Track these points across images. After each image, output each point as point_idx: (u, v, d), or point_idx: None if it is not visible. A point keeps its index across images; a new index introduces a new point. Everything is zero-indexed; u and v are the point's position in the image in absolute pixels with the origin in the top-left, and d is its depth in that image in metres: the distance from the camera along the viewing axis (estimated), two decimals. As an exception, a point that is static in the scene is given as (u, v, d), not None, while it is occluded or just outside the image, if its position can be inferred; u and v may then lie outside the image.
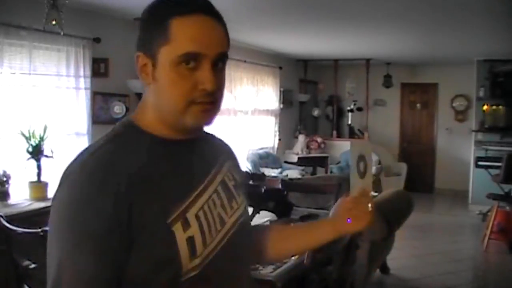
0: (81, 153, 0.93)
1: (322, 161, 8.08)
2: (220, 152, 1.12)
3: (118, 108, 4.76)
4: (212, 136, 1.16)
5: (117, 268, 0.87)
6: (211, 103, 0.94)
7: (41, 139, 3.66)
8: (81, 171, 0.89)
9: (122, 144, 0.94)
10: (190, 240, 0.91)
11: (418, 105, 9.42)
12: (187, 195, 0.94)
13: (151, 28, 0.93)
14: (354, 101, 8.84)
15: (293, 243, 1.23)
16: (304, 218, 2.90)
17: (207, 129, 1.15)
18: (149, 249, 0.87)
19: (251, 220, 1.17)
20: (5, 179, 3.57)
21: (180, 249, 0.89)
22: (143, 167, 0.91)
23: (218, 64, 0.94)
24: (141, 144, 0.95)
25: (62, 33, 3.58)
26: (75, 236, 0.86)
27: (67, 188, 0.89)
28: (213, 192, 1.00)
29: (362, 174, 1.19)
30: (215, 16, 0.95)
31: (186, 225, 0.91)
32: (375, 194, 5.35)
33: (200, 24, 0.92)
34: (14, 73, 3.81)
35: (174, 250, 0.89)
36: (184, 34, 0.90)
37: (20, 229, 2.40)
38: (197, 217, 0.94)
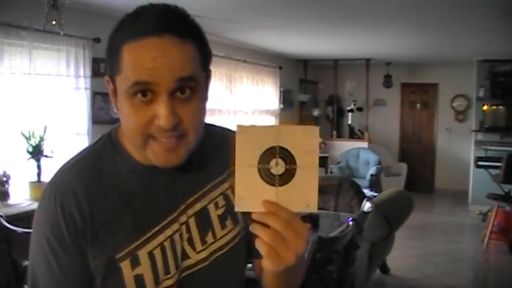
0: (63, 165, 0.94)
1: (322, 161, 8.07)
2: (222, 166, 0.96)
3: (118, 108, 4.76)
4: (225, 138, 0.96)
5: (82, 284, 0.89)
6: (176, 137, 0.82)
7: (41, 139, 3.66)
8: (48, 192, 0.90)
9: (94, 164, 0.91)
10: (138, 278, 0.87)
11: (418, 105, 9.42)
12: (145, 230, 0.88)
13: (110, 53, 0.84)
14: (354, 101, 8.84)
15: None
16: (304, 218, 2.89)
17: (222, 124, 1.08)
18: (101, 280, 0.88)
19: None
20: (5, 179, 3.57)
21: (127, 285, 0.87)
22: (105, 195, 0.88)
23: (185, 92, 0.81)
24: (113, 166, 0.91)
25: (62, 33, 3.58)
26: (36, 248, 0.90)
27: (40, 200, 0.92)
28: (182, 224, 0.91)
29: (278, 179, 0.74)
30: (177, 33, 0.80)
31: (134, 263, 0.87)
32: (375, 194, 5.34)
33: (150, 50, 0.78)
34: (14, 73, 3.81)
35: (121, 285, 0.87)
36: (132, 62, 0.79)
37: (20, 229, 2.39)
38: (150, 255, 0.88)
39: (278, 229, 0.73)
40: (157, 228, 0.89)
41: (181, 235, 0.91)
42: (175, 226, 0.90)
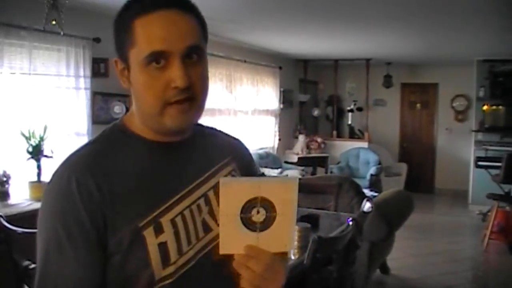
0: (70, 154, 0.95)
1: (322, 161, 8.08)
2: (223, 153, 1.07)
3: (118, 108, 4.76)
4: (218, 134, 1.12)
5: (96, 268, 0.88)
6: (188, 100, 0.90)
7: (41, 139, 3.66)
8: (60, 173, 0.91)
9: (105, 146, 0.96)
10: (162, 246, 0.89)
11: (418, 105, 9.42)
12: (165, 199, 0.92)
13: (120, 32, 0.93)
14: (354, 101, 8.84)
15: None
16: (304, 218, 2.90)
17: (215, 125, 1.15)
18: (123, 254, 0.88)
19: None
20: (5, 179, 3.57)
21: (151, 254, 0.88)
22: (122, 170, 0.92)
23: (193, 57, 0.90)
24: (125, 146, 0.96)
25: (62, 33, 3.58)
26: (48, 238, 0.89)
27: (48, 187, 0.92)
28: (199, 197, 0.97)
29: (259, 225, 0.84)
30: (182, 7, 0.91)
31: (158, 230, 0.89)
32: (375, 194, 5.34)
33: (161, 21, 0.88)
34: (14, 73, 3.81)
35: (145, 255, 0.88)
36: (146, 34, 0.88)
37: (20, 229, 2.40)
38: (173, 222, 0.91)
39: (259, 271, 0.84)
40: (175, 199, 0.93)
41: (198, 207, 0.96)
42: (193, 197, 0.96)
